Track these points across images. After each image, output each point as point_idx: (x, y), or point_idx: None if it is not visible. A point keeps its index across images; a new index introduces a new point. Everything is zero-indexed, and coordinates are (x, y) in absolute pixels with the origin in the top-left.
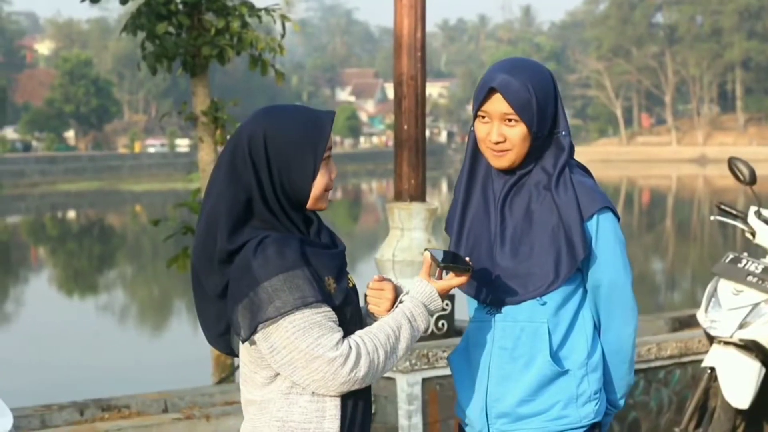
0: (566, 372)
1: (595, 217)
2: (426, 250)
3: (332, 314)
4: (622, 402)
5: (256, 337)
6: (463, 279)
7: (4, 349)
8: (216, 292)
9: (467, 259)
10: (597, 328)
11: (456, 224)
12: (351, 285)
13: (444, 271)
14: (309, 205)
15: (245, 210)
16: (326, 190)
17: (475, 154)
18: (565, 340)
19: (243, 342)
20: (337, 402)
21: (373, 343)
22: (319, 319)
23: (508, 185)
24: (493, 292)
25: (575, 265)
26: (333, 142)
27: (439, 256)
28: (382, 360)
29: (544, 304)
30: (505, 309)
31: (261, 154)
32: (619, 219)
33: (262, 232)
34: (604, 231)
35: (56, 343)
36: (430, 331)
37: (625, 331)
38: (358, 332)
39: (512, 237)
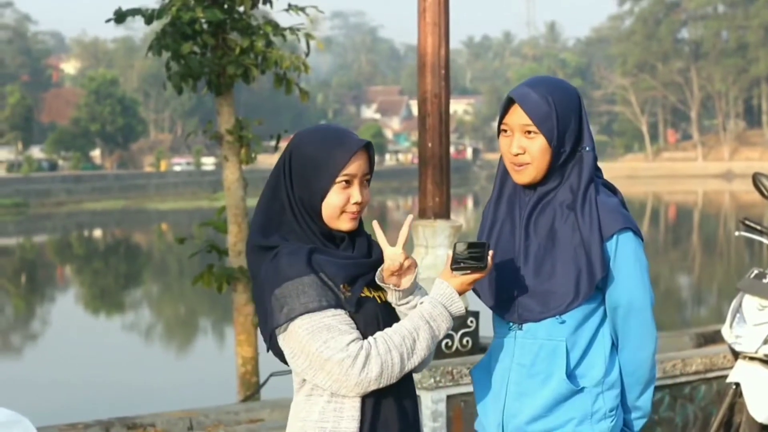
0: (582, 390)
1: (615, 237)
2: (455, 243)
3: (345, 318)
4: (638, 424)
5: (280, 344)
6: (478, 276)
7: (30, 368)
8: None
9: (490, 252)
10: (616, 346)
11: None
12: (381, 299)
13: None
14: (327, 223)
15: (278, 214)
16: (342, 212)
17: (504, 176)
18: (582, 358)
19: (267, 351)
20: (356, 403)
21: (386, 344)
22: (329, 321)
23: (532, 203)
24: (514, 309)
25: (594, 285)
26: (365, 171)
27: (460, 250)
28: (396, 361)
29: (563, 322)
30: (526, 326)
31: (288, 166)
32: (642, 240)
33: (287, 240)
34: (623, 251)
35: (82, 361)
36: (454, 347)
37: (642, 354)
38: (375, 334)
39: (536, 255)
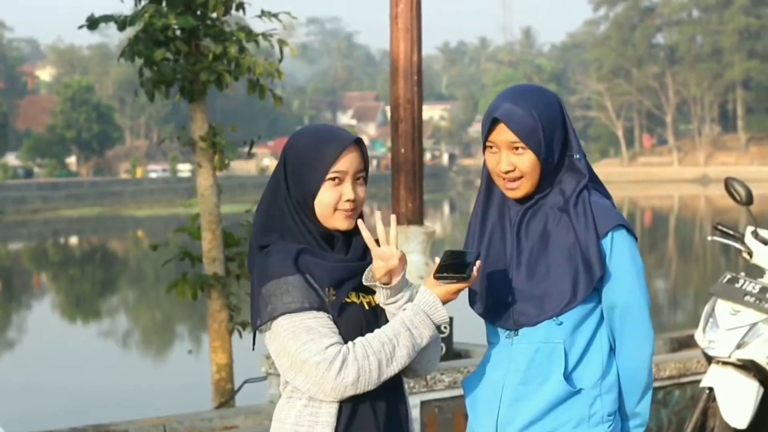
0: (579, 392)
1: (609, 234)
2: (445, 251)
3: (327, 321)
4: None
5: (266, 343)
6: (461, 285)
7: (5, 375)
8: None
9: (477, 263)
10: (613, 348)
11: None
12: (367, 303)
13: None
14: (321, 222)
15: (280, 217)
16: (335, 209)
17: (489, 183)
18: (580, 360)
19: (253, 349)
20: (332, 409)
21: (364, 350)
22: (310, 323)
23: (524, 209)
24: (509, 316)
25: (592, 284)
26: (357, 168)
27: (448, 258)
28: (374, 367)
29: (560, 324)
30: (521, 331)
31: (283, 166)
32: (636, 239)
33: (286, 240)
34: (618, 248)
35: (57, 368)
36: None
37: (639, 356)
38: (355, 339)
39: (528, 259)
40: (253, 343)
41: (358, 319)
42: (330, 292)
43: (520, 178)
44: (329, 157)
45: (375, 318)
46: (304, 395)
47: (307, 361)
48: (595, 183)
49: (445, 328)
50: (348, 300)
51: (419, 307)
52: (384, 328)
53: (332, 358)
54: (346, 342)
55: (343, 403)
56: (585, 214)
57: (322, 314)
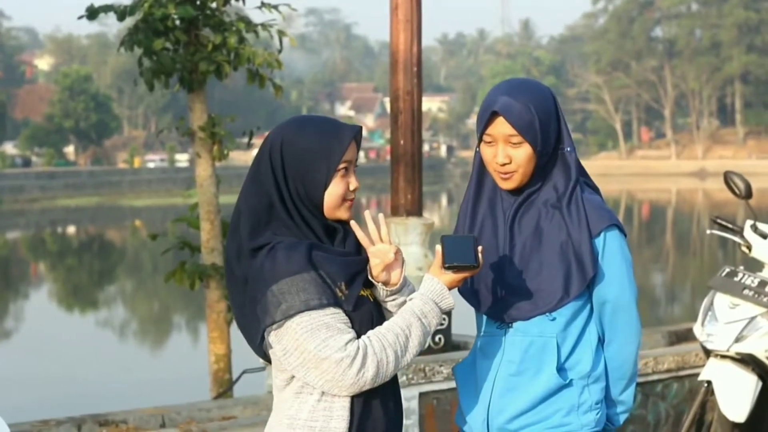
0: (570, 383)
1: (602, 234)
2: (443, 237)
3: (342, 316)
4: (620, 419)
5: (271, 340)
6: (468, 273)
7: (2, 364)
8: (237, 288)
9: (480, 248)
10: (601, 341)
11: None
12: (373, 297)
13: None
14: (326, 214)
15: (267, 212)
16: (344, 200)
17: (480, 174)
18: (571, 353)
19: (258, 346)
20: (345, 403)
21: (381, 343)
22: (327, 320)
23: (517, 203)
24: (502, 308)
25: (585, 283)
26: (356, 156)
27: (450, 245)
28: (391, 360)
29: (553, 319)
30: (515, 324)
31: (278, 160)
32: (626, 236)
33: (280, 236)
34: (610, 248)
35: (55, 358)
36: (427, 345)
37: (627, 349)
38: (368, 333)
39: (521, 254)
40: (258, 343)
41: (369, 311)
42: (342, 287)
43: (515, 170)
44: (340, 147)
45: (380, 310)
46: (316, 390)
47: (327, 358)
48: (584, 176)
49: (444, 319)
50: (360, 294)
51: (428, 296)
52: (395, 319)
53: (353, 355)
54: (359, 335)
55: (354, 397)
56: (578, 213)
57: (338, 310)
